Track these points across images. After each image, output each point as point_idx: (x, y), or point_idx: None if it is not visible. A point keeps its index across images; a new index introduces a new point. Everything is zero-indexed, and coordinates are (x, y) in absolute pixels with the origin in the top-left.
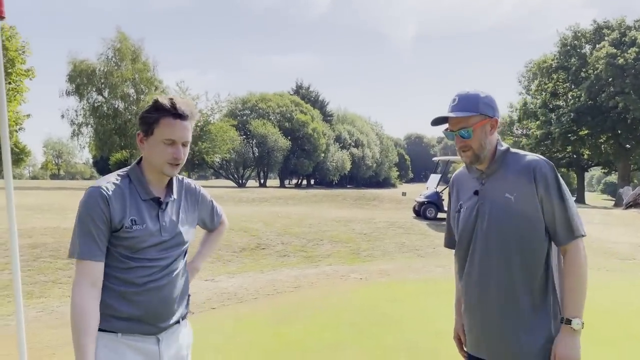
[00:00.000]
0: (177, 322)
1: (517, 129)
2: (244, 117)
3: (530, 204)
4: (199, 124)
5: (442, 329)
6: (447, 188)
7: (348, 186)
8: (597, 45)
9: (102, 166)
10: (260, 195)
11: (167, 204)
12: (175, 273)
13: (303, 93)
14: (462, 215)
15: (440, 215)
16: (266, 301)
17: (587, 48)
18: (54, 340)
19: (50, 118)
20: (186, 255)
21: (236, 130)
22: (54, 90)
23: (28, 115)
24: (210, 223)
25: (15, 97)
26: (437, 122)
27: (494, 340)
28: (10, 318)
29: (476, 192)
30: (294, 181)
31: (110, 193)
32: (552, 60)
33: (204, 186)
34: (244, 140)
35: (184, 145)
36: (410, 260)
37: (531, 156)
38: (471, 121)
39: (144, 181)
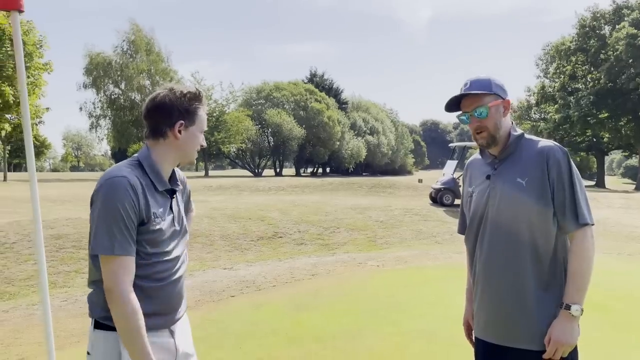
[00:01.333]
0: (184, 312)
1: (535, 113)
2: (259, 107)
3: (542, 189)
4: (214, 114)
5: (460, 315)
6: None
7: (364, 174)
8: (617, 26)
9: (121, 158)
10: (276, 184)
11: (176, 193)
12: (184, 265)
13: (317, 81)
14: (473, 199)
15: (457, 201)
16: (284, 289)
17: (606, 29)
18: (78, 328)
19: (69, 111)
20: None
21: (251, 119)
22: (72, 84)
23: (47, 109)
24: (185, 211)
25: (34, 91)
26: (450, 107)
27: (500, 323)
28: (35, 307)
29: (488, 177)
30: (310, 170)
31: (134, 184)
32: (571, 42)
33: (220, 176)
34: (259, 129)
35: None
36: (428, 247)
37: (545, 142)
38: (486, 100)
39: (159, 171)
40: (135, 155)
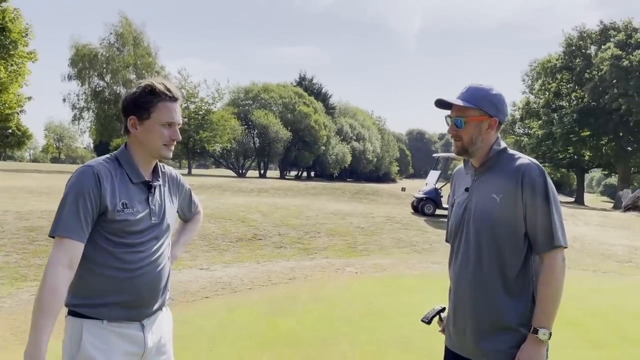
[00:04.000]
0: (160, 308)
1: (519, 128)
2: (246, 107)
3: (513, 207)
4: (200, 112)
5: (435, 324)
6: (448, 184)
7: (348, 179)
8: (603, 47)
9: (103, 151)
10: (259, 186)
11: (155, 188)
12: (162, 259)
13: (306, 85)
14: (454, 210)
15: (439, 211)
16: (261, 292)
17: (592, 49)
18: None
19: (52, 102)
20: (170, 241)
21: (237, 119)
22: (56, 75)
23: (29, 98)
24: (188, 212)
25: (17, 80)
26: (441, 105)
27: (464, 336)
28: (3, 300)
29: (467, 189)
30: (294, 173)
31: (102, 173)
32: (557, 60)
33: (203, 175)
34: (245, 130)
35: (177, 126)
36: (407, 255)
37: (524, 159)
38: (468, 113)
39: (134, 164)
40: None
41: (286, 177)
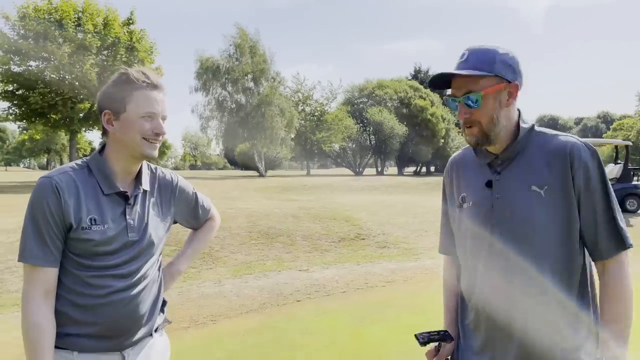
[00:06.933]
0: (148, 334)
1: None
2: (360, 105)
3: (566, 201)
4: (315, 114)
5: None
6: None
7: None
8: None
9: (231, 157)
10: (370, 184)
11: (135, 198)
12: (145, 281)
13: (422, 77)
14: (469, 214)
15: None
16: (354, 296)
17: None
18: None
19: (186, 113)
20: (160, 259)
21: (352, 118)
22: (185, 87)
23: None
24: (194, 220)
25: None
26: (436, 84)
27: None
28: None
29: (489, 184)
30: (413, 168)
31: (62, 185)
32: None
33: (320, 175)
34: (360, 128)
35: (163, 120)
36: None
37: (565, 137)
38: (482, 84)
39: (107, 172)
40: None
41: (404, 173)
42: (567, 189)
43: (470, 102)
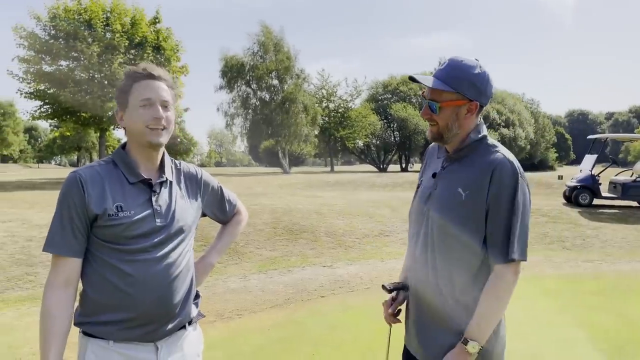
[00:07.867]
0: (183, 327)
1: None
2: (385, 102)
3: (478, 207)
4: (339, 110)
5: (566, 337)
6: (606, 169)
7: None
8: None
9: (256, 154)
10: (394, 180)
11: (160, 186)
12: (175, 266)
13: None
14: (418, 193)
15: (596, 201)
16: (378, 292)
17: None
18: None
19: (210, 111)
20: (190, 248)
21: (376, 114)
22: (211, 86)
23: (187, 109)
24: (222, 213)
25: None
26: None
27: (414, 335)
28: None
29: (434, 175)
30: None
31: (86, 178)
32: None
33: (344, 172)
34: (384, 124)
35: (164, 107)
36: (553, 253)
37: (500, 154)
38: (443, 97)
39: (130, 163)
40: None
41: None
42: (482, 198)
43: (432, 107)
